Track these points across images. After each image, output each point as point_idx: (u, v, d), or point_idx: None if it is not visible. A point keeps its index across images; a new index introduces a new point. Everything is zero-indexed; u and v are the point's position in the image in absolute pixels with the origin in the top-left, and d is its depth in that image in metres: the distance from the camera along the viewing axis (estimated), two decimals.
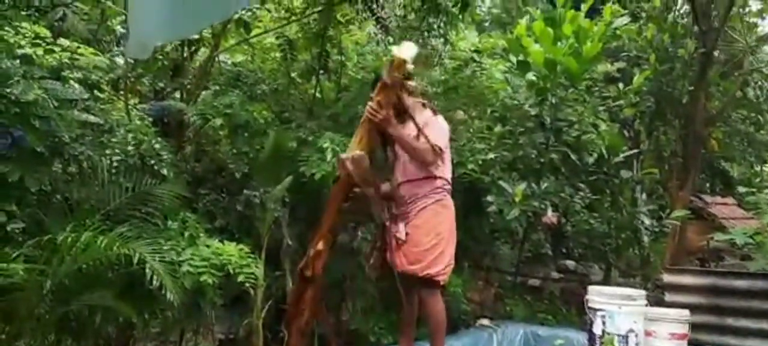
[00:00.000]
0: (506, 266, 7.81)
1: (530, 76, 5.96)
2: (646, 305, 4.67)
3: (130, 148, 4.44)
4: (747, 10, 8.50)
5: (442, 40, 5.83)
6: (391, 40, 6.00)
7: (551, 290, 7.91)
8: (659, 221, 6.83)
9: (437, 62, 6.06)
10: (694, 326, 4.91)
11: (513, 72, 6.14)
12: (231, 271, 4.14)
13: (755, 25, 8.62)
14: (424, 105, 3.89)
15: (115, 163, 4.40)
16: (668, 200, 7.99)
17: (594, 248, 7.36)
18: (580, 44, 5.72)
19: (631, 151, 6.73)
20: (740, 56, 8.52)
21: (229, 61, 6.18)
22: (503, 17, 8.67)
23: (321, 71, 5.89)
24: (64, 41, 4.39)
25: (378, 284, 5.51)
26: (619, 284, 6.81)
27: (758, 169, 12.20)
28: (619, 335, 4.48)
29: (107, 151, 4.41)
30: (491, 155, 5.79)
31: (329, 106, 6.06)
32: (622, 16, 6.64)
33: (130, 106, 5.12)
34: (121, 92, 5.42)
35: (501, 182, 5.71)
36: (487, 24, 8.78)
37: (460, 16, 5.82)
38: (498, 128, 6.16)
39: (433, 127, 3.80)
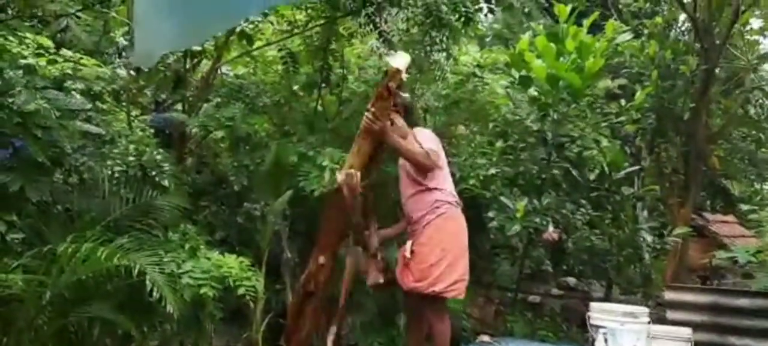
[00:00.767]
0: (506, 283, 7.77)
1: (532, 91, 5.96)
2: (649, 323, 4.65)
3: (131, 159, 4.43)
4: (748, 27, 8.53)
5: (444, 54, 5.83)
6: (393, 53, 6.00)
7: (552, 306, 7.87)
8: (661, 238, 6.79)
9: (439, 77, 6.05)
10: (696, 344, 4.88)
11: (515, 87, 6.14)
12: (231, 283, 4.12)
13: (757, 42, 8.65)
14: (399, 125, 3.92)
15: (116, 174, 4.38)
16: (669, 217, 7.97)
17: (595, 264, 7.32)
18: (582, 60, 5.72)
19: (633, 168, 6.71)
20: (741, 74, 8.54)
21: (231, 74, 6.18)
22: (504, 33, 8.70)
23: (323, 84, 5.89)
24: (66, 52, 4.40)
25: (377, 299, 5.48)
26: (620, 302, 6.77)
27: (759, 187, 12.20)
28: None
29: (108, 162, 4.40)
30: (492, 170, 5.77)
31: (330, 120, 6.06)
32: (624, 32, 6.65)
33: (131, 118, 5.11)
34: (123, 103, 5.42)
35: (502, 198, 5.69)
36: (488, 39, 8.80)
37: (463, 31, 5.82)
38: (499, 143, 6.15)
39: (423, 134, 3.85)
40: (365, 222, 3.66)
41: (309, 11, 5.81)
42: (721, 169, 9.90)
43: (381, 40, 5.78)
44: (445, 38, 5.70)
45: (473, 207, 5.86)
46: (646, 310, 4.81)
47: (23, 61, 3.97)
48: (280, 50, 5.86)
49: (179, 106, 5.79)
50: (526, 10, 9.11)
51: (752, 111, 8.95)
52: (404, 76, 3.54)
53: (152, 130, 5.00)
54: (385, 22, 5.67)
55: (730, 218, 10.08)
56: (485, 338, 5.67)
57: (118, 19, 5.44)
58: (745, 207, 9.36)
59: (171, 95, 5.93)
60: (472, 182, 5.58)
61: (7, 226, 3.64)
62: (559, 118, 5.94)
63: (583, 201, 6.15)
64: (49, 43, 4.26)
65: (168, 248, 4.17)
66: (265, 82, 6.05)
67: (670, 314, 5.67)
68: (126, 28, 5.68)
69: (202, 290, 3.99)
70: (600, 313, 4.67)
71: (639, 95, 6.48)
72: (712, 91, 7.98)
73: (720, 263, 8.16)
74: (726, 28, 7.59)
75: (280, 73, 6.04)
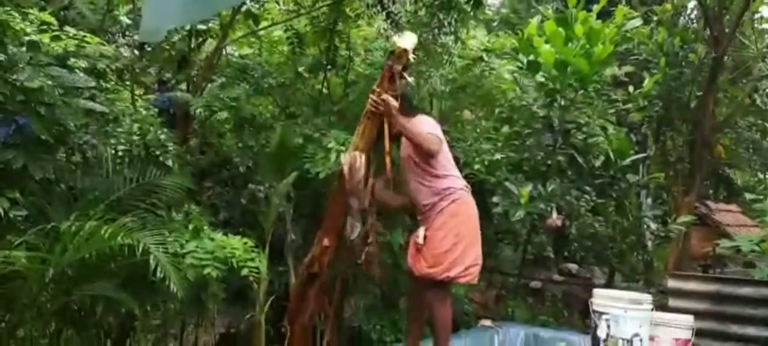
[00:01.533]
0: (508, 268, 7.78)
1: (539, 76, 5.91)
2: (653, 310, 4.64)
3: (135, 138, 4.40)
4: (758, 16, 8.44)
5: (452, 37, 5.77)
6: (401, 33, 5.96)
7: (553, 292, 7.89)
8: (664, 225, 6.77)
9: (447, 60, 6.00)
10: (698, 332, 4.88)
11: (522, 72, 6.09)
12: (234, 265, 4.11)
13: (766, 31, 8.55)
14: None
15: (120, 153, 4.37)
16: (673, 206, 7.95)
17: (597, 251, 7.32)
18: (591, 46, 5.66)
19: (638, 156, 6.67)
20: (750, 63, 8.46)
21: (236, 54, 6.14)
22: (512, 17, 8.63)
23: (328, 66, 5.84)
24: (70, 29, 4.36)
25: (380, 282, 5.48)
26: (621, 289, 6.77)
27: (763, 176, 12.16)
28: (623, 339, 4.45)
29: (112, 141, 4.39)
30: (498, 156, 5.74)
31: (336, 102, 6.02)
32: (633, 18, 6.58)
33: (135, 97, 5.08)
34: (127, 82, 5.38)
35: (507, 183, 5.66)
36: (495, 23, 8.73)
37: (472, 14, 5.76)
38: (505, 129, 6.12)
39: (427, 121, 3.81)
40: (363, 205, 3.61)
41: None
42: (725, 159, 9.85)
43: (388, 21, 5.73)
44: (453, 21, 5.64)
45: (477, 192, 5.82)
46: (650, 297, 4.80)
47: (27, 38, 3.93)
48: (286, 31, 5.81)
49: (183, 86, 5.76)
50: None
51: (759, 100, 8.88)
52: (411, 56, 3.48)
53: (156, 110, 4.97)
54: (393, 2, 5.61)
55: (734, 207, 10.07)
56: (486, 322, 5.68)
57: None
58: (749, 196, 9.32)
59: (175, 75, 5.89)
60: (476, 167, 5.56)
61: (10, 203, 3.63)
62: (566, 104, 5.90)
63: (588, 188, 6.13)
64: (52, 19, 4.21)
65: (171, 228, 4.17)
66: (271, 63, 6.01)
67: (672, 302, 5.66)
68: (129, 6, 5.63)
69: (206, 271, 3.98)
70: (603, 299, 4.65)
71: (647, 83, 6.43)
72: (719, 80, 7.92)
73: (722, 252, 8.15)
74: (736, 16, 7.51)
75: (286, 54, 5.99)
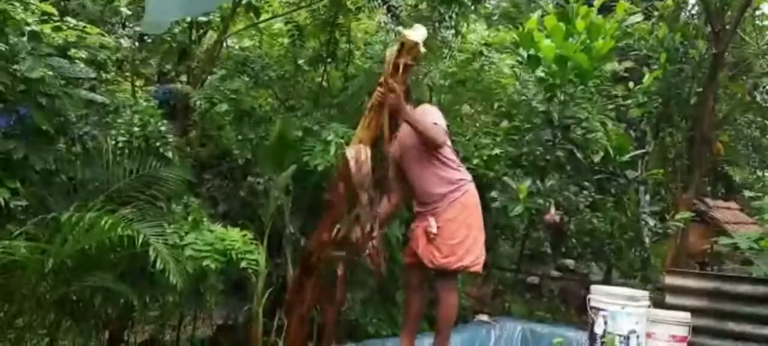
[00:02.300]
0: (506, 263, 7.79)
1: (540, 71, 5.91)
2: (650, 307, 4.66)
3: (135, 129, 4.40)
4: (759, 12, 8.44)
5: (452, 31, 5.77)
6: (402, 29, 5.95)
7: (550, 288, 7.91)
8: (662, 222, 6.79)
9: (447, 54, 6.00)
10: (695, 330, 4.89)
11: (522, 67, 6.09)
12: (233, 257, 4.12)
13: (767, 28, 8.56)
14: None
15: (120, 144, 4.36)
16: (671, 202, 7.96)
17: (595, 247, 7.34)
18: (591, 41, 5.67)
19: (637, 152, 6.69)
20: (750, 59, 8.46)
21: (237, 46, 6.13)
22: (512, 11, 8.60)
23: (328, 59, 5.84)
24: (70, 20, 4.35)
25: (378, 275, 5.49)
26: (618, 285, 6.79)
27: (761, 174, 12.17)
28: (620, 336, 4.47)
29: (112, 132, 4.39)
30: (496, 151, 5.75)
31: (335, 96, 6.02)
32: (634, 14, 6.58)
33: (135, 88, 5.08)
34: (127, 74, 5.38)
35: (505, 178, 5.67)
36: (495, 18, 8.71)
37: (472, 8, 5.76)
38: (504, 124, 6.12)
39: (431, 112, 3.83)
40: (372, 198, 3.60)
41: None
42: (724, 156, 9.87)
43: (389, 15, 5.72)
44: (453, 15, 5.64)
45: (476, 187, 5.85)
46: (647, 294, 4.81)
47: (28, 28, 3.93)
48: (286, 23, 5.80)
49: (184, 78, 5.75)
50: None
51: (759, 97, 8.89)
52: (422, 49, 3.47)
53: (156, 102, 4.97)
54: None
55: (732, 204, 10.08)
56: (483, 317, 5.71)
57: None
58: (748, 194, 9.34)
59: (176, 67, 5.88)
60: (475, 161, 5.57)
61: (11, 193, 3.63)
62: (565, 99, 5.91)
63: (587, 184, 6.14)
64: (53, 10, 4.21)
65: (171, 220, 4.17)
66: (271, 56, 6.00)
67: (669, 299, 5.67)
68: None
69: (205, 263, 3.99)
70: (600, 295, 4.66)
71: (647, 78, 6.44)
72: (720, 77, 7.92)
73: (720, 249, 8.17)
74: (737, 13, 7.50)
75: (286, 46, 5.99)
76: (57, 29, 4.18)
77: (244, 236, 4.30)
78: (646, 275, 7.39)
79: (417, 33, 3.44)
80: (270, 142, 5.14)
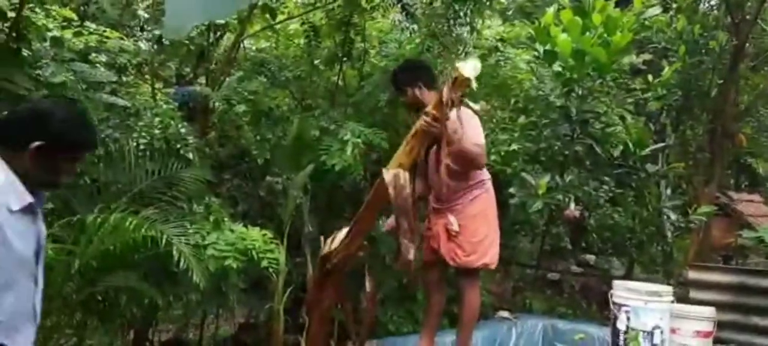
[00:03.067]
0: (525, 259, 7.76)
1: (556, 66, 5.87)
2: (673, 302, 4.61)
3: (156, 131, 4.47)
4: None
5: (467, 28, 5.76)
6: (416, 27, 5.96)
7: (571, 284, 7.86)
8: (684, 216, 6.71)
9: (462, 51, 5.99)
10: (720, 324, 4.84)
11: (539, 62, 6.05)
12: (254, 256, 4.16)
13: None
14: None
15: (141, 146, 4.43)
16: (693, 196, 7.87)
17: (616, 242, 7.27)
18: (609, 34, 5.62)
19: (657, 145, 6.61)
20: None
21: (254, 47, 6.18)
22: (527, 6, 8.56)
23: (344, 59, 5.87)
24: (90, 25, 4.43)
25: (396, 274, 5.50)
26: (641, 280, 6.73)
27: None
28: (644, 332, 4.42)
29: (134, 135, 4.45)
30: (514, 146, 5.73)
31: (352, 94, 6.05)
32: (652, 6, 6.51)
33: (155, 91, 5.14)
34: (146, 76, 5.45)
35: (524, 174, 5.65)
36: (510, 13, 8.67)
37: (487, 4, 5.74)
38: (521, 119, 6.09)
39: (474, 127, 3.73)
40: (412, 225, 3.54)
41: None
42: (747, 148, 9.73)
43: (403, 13, 5.73)
44: (468, 11, 5.63)
45: (494, 183, 5.83)
46: (670, 289, 4.77)
47: (50, 34, 4.01)
48: (302, 24, 5.84)
49: (202, 80, 5.82)
50: None
51: None
52: (474, 84, 3.39)
53: (176, 104, 5.03)
54: None
55: (756, 197, 9.94)
56: (504, 313, 5.69)
57: None
58: None
59: (194, 69, 5.95)
60: (493, 157, 5.55)
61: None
62: (583, 93, 5.86)
63: (606, 178, 6.09)
64: (74, 15, 4.29)
65: (193, 220, 4.22)
66: (287, 56, 6.05)
67: (693, 294, 5.62)
68: (149, 2, 5.69)
69: (227, 262, 4.03)
70: (623, 291, 4.63)
71: (666, 71, 6.36)
72: (740, 68, 7.81)
73: (744, 243, 8.06)
74: (757, 3, 7.39)
75: (302, 47, 6.02)
76: (78, 34, 4.26)
77: (264, 235, 4.34)
78: (669, 269, 7.31)
79: (470, 67, 3.35)
80: (288, 142, 5.19)
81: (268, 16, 5.47)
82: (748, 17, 7.38)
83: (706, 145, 8.21)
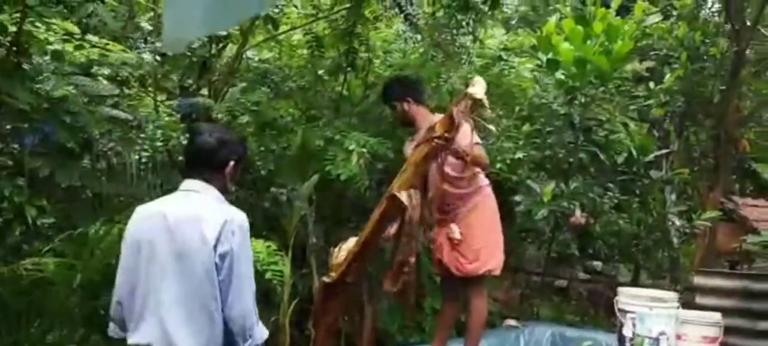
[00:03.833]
0: (532, 267, 7.73)
1: (559, 74, 5.88)
2: (678, 308, 4.57)
3: (158, 144, 4.45)
4: None
5: (470, 37, 5.76)
6: (419, 37, 5.95)
7: (578, 291, 7.82)
8: (689, 222, 6.68)
9: (465, 61, 5.99)
10: (726, 330, 4.80)
11: (542, 70, 6.06)
12: (259, 268, 4.12)
13: None
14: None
15: (143, 159, 4.41)
16: (698, 201, 7.84)
17: (622, 249, 7.25)
18: (610, 42, 5.62)
19: (661, 152, 6.60)
20: None
21: (256, 58, 6.17)
22: (530, 15, 8.58)
23: (348, 69, 5.86)
24: (92, 37, 4.42)
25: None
26: (647, 286, 6.69)
27: None
28: (649, 338, 4.38)
29: (136, 147, 4.43)
30: (519, 154, 5.72)
31: (356, 104, 6.03)
32: (652, 13, 6.51)
33: (157, 103, 5.13)
34: (149, 89, 5.43)
35: (529, 182, 5.64)
36: (513, 22, 8.69)
37: (489, 13, 5.75)
38: (526, 127, 6.09)
39: (469, 133, 3.72)
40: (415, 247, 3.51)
41: None
42: (751, 153, 9.70)
43: (406, 23, 5.73)
44: (471, 21, 5.63)
45: (500, 191, 5.82)
46: (676, 295, 4.74)
47: (51, 47, 4.00)
48: (305, 34, 5.84)
49: (205, 92, 5.81)
50: None
51: None
52: (486, 102, 3.38)
53: (179, 116, 5.02)
54: (411, 4, 5.61)
55: (761, 201, 9.89)
56: (512, 322, 5.65)
57: (143, 3, 5.45)
58: None
59: (197, 80, 5.94)
60: (498, 166, 5.53)
61: (38, 210, 3.68)
62: (586, 101, 5.86)
63: (611, 185, 6.08)
64: (75, 28, 4.28)
65: None
66: (291, 67, 6.03)
67: (699, 299, 5.57)
68: (151, 13, 5.69)
69: None
70: (628, 297, 4.59)
71: (668, 78, 6.36)
72: (742, 74, 7.79)
73: (750, 248, 8.02)
74: (757, 9, 7.39)
75: (306, 57, 6.02)
76: (79, 47, 4.24)
77: (269, 246, 4.31)
78: (675, 275, 7.27)
79: (480, 88, 3.35)
80: (292, 152, 5.17)
81: (270, 26, 5.46)
82: (748, 24, 7.37)
83: (710, 151, 8.19)
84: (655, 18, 6.86)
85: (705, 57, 7.44)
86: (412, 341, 5.37)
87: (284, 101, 5.78)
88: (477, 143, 3.66)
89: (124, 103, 4.80)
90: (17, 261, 3.56)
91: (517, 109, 6.38)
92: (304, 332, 4.96)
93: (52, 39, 4.05)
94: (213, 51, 5.62)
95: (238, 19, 4.07)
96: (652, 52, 7.50)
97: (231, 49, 5.85)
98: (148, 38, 5.80)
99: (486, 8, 5.57)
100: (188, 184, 2.29)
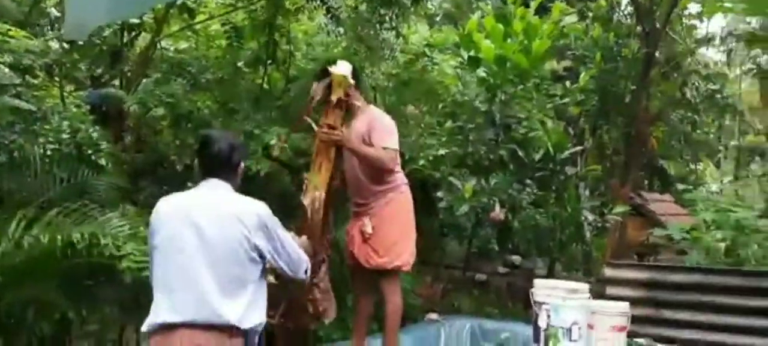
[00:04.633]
0: (454, 261, 7.85)
1: (481, 72, 5.98)
2: (590, 299, 4.75)
3: (65, 136, 4.21)
4: (686, 12, 8.79)
5: (393, 32, 5.77)
6: (342, 30, 5.91)
7: (498, 284, 8.00)
8: (601, 216, 6.98)
9: (389, 56, 6.00)
10: (633, 319, 5.01)
11: (464, 67, 6.15)
12: None
13: (694, 27, 8.93)
14: (358, 105, 3.83)
15: (48, 152, 4.16)
16: (609, 197, 8.19)
17: (539, 243, 7.47)
18: (529, 41, 5.77)
19: (576, 149, 6.86)
20: (679, 58, 8.81)
21: (172, 48, 5.95)
22: (454, 12, 8.70)
23: (269, 61, 5.74)
24: None
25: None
26: (562, 279, 6.93)
27: (694, 167, 12.69)
28: (563, 328, 4.54)
29: (40, 140, 4.18)
30: (442, 151, 5.78)
31: (277, 98, 5.92)
32: (569, 14, 6.74)
33: (65, 93, 4.86)
34: (56, 78, 5.14)
35: (451, 179, 5.72)
36: (437, 19, 8.79)
37: (412, 9, 5.78)
38: (448, 124, 6.17)
39: (382, 130, 3.73)
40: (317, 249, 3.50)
41: None
42: (659, 150, 10.24)
43: (328, 16, 5.67)
44: (394, 16, 5.64)
45: (422, 187, 5.87)
46: (587, 286, 4.92)
47: None
48: (223, 24, 5.68)
49: (117, 82, 5.55)
50: None
51: (689, 94, 9.26)
52: (351, 80, 3.45)
53: (88, 107, 4.77)
54: None
55: (667, 197, 10.44)
56: (433, 316, 5.71)
57: None
58: (681, 186, 9.72)
59: (108, 70, 5.66)
60: (421, 162, 5.58)
61: None
62: (506, 99, 5.99)
63: (529, 181, 6.24)
64: None
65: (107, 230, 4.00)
66: (208, 58, 5.85)
67: (610, 290, 5.83)
68: None
69: (144, 273, 3.83)
70: (543, 289, 4.73)
71: (583, 77, 6.60)
72: (652, 74, 8.20)
73: (656, 241, 8.45)
74: (665, 12, 7.79)
75: (224, 48, 5.85)
76: None
77: None
78: (589, 267, 7.58)
79: (342, 67, 3.45)
80: None
81: (186, 15, 5.28)
82: (657, 26, 7.76)
83: (621, 149, 8.57)
84: (572, 19, 7.10)
85: (618, 57, 7.79)
86: (334, 338, 5.34)
87: (201, 93, 5.60)
88: (386, 147, 3.64)
89: (27, 93, 4.51)
90: None
91: (440, 105, 6.45)
92: None
93: None
94: (125, 40, 5.38)
95: (147, 6, 3.91)
96: (569, 52, 7.78)
97: (144, 39, 5.61)
98: (56, 25, 5.50)
99: (409, 3, 5.59)
100: (212, 183, 2.56)
